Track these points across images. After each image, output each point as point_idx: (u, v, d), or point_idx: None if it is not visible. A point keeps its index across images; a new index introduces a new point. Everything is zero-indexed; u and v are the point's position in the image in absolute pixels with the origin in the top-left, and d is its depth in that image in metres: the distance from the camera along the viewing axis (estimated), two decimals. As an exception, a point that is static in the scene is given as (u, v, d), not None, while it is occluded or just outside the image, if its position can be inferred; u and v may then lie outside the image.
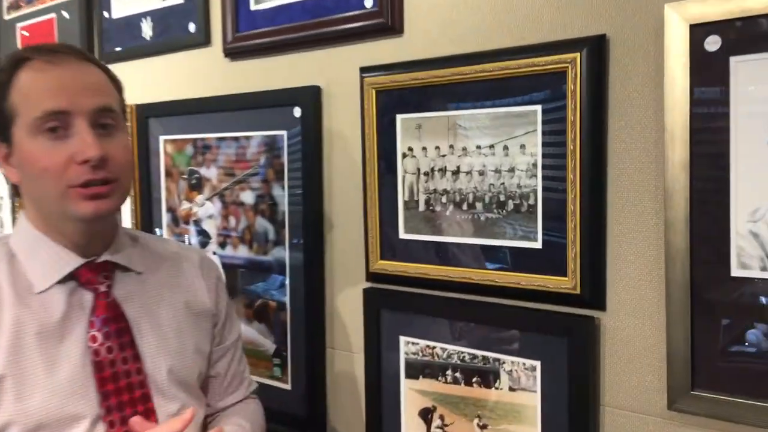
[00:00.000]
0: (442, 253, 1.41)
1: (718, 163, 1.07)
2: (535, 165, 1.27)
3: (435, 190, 1.41)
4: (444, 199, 1.40)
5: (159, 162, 1.97)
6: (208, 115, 1.83)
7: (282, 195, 1.67)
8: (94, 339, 1.10)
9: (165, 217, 1.97)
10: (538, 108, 1.26)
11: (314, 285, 1.63)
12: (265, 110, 1.69)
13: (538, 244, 1.28)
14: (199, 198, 1.86)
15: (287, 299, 1.68)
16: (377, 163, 1.49)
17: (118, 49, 2.07)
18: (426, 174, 1.42)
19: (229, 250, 1.81)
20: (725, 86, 1.06)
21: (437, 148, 1.40)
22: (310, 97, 1.60)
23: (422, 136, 1.42)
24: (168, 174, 1.95)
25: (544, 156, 1.26)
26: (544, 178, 1.26)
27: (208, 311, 1.29)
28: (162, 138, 1.95)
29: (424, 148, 1.42)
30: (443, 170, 1.40)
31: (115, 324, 1.13)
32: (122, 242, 1.19)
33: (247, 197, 1.75)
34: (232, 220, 1.79)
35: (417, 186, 1.44)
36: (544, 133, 1.26)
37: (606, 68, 1.19)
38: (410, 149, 1.44)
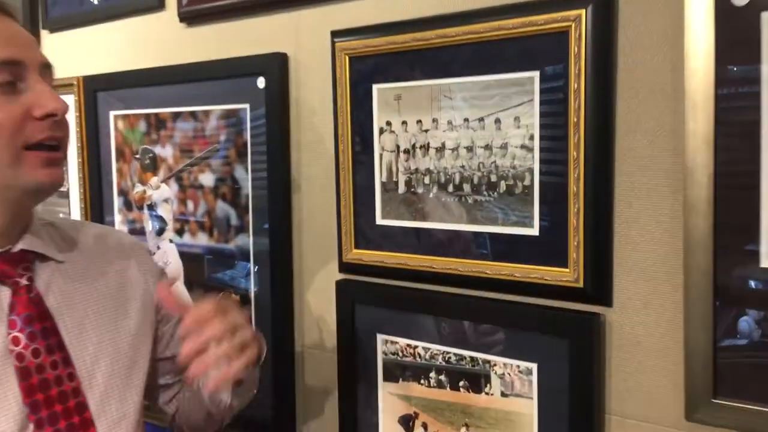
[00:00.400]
0: (425, 241, 1.25)
1: (747, 134, 0.92)
2: (531, 140, 1.12)
3: (416, 170, 1.25)
4: (427, 180, 1.24)
5: (109, 140, 1.77)
6: (163, 87, 1.64)
7: (245, 177, 1.50)
8: (16, 341, 0.92)
9: (117, 202, 1.78)
10: (536, 74, 1.10)
11: (281, 277, 1.46)
12: (226, 81, 1.51)
13: (534, 231, 1.13)
14: (154, 180, 1.68)
15: (251, 292, 1.51)
16: (351, 139, 1.32)
17: (63, 15, 1.86)
18: (406, 151, 1.26)
19: (187, 238, 1.63)
20: (755, 46, 0.91)
21: (419, 122, 1.24)
22: (276, 66, 1.42)
23: (402, 108, 1.25)
24: (120, 153, 1.76)
25: (542, 129, 1.10)
26: (542, 155, 1.11)
27: (148, 302, 1.12)
28: (112, 113, 1.76)
29: (405, 123, 1.25)
30: (426, 147, 1.23)
31: (39, 323, 0.95)
32: (38, 228, 1.01)
33: (207, 179, 1.57)
34: (190, 205, 1.61)
35: (396, 165, 1.28)
36: (542, 103, 1.10)
37: (615, 27, 1.03)
38: (388, 124, 1.28)
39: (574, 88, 1.05)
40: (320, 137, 1.40)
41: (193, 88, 1.58)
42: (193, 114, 1.58)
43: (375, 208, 1.31)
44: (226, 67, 1.50)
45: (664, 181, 1.01)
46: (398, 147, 1.27)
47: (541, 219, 1.12)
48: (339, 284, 1.37)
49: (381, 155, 1.29)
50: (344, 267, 1.36)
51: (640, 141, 1.03)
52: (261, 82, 1.45)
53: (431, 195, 1.24)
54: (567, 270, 1.09)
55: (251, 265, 1.51)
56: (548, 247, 1.11)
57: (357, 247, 1.34)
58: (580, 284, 1.07)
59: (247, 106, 1.48)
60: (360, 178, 1.32)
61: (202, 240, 1.60)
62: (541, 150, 1.10)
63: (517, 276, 1.14)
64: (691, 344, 0.97)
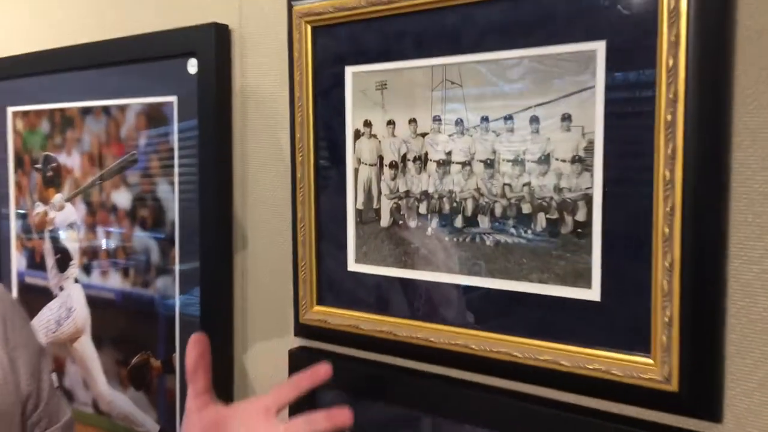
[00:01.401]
0: (420, 300, 0.84)
1: None
2: (590, 150, 0.71)
3: (408, 193, 0.84)
4: (423, 208, 0.83)
5: (6, 145, 1.35)
6: (70, 74, 1.22)
7: (171, 197, 1.08)
8: None
9: (14, 225, 1.35)
10: (599, 46, 0.69)
11: (215, 340, 1.03)
12: (146, 65, 1.10)
13: (593, 294, 0.71)
14: (57, 198, 1.26)
15: (176, 359, 1.09)
16: (313, 146, 0.91)
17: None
18: (393, 165, 0.85)
19: (96, 277, 1.20)
20: None
21: (413, 121, 0.83)
22: (212, 43, 1.01)
23: (388, 101, 0.84)
24: (18, 162, 1.34)
25: (608, 132, 0.69)
26: (608, 173, 0.70)
27: (6, 394, 0.73)
28: (10, 110, 1.34)
29: (391, 123, 0.84)
30: (422, 159, 0.82)
31: None
32: None
33: (122, 198, 1.15)
34: (101, 232, 1.19)
35: (378, 185, 0.86)
36: (610, 90, 0.69)
37: (738, -33, 0.63)
38: (368, 124, 0.86)
39: (667, 66, 0.64)
40: (274, 143, 0.98)
41: (104, 76, 1.16)
42: (105, 110, 1.17)
43: (346, 247, 0.89)
44: (146, 45, 1.09)
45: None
46: (381, 158, 0.86)
47: (605, 275, 0.70)
48: (294, 355, 0.95)
49: (356, 170, 0.88)
50: (301, 330, 0.94)
51: (781, 154, 0.62)
52: (192, 66, 1.03)
53: (429, 231, 0.82)
54: (650, 361, 0.67)
55: (177, 319, 1.09)
56: (617, 320, 0.70)
57: (320, 303, 0.92)
58: (673, 385, 0.66)
59: (173, 98, 1.07)
60: (326, 203, 0.91)
61: (115, 281, 1.17)
62: (607, 166, 0.69)
63: (564, 364, 0.73)
64: None
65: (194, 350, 0.75)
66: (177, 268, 1.08)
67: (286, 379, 0.76)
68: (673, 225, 0.65)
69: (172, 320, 1.09)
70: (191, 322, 1.05)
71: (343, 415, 0.70)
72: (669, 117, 0.65)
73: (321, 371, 0.74)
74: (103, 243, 1.18)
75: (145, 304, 1.13)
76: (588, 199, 0.71)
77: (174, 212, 1.07)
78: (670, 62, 0.64)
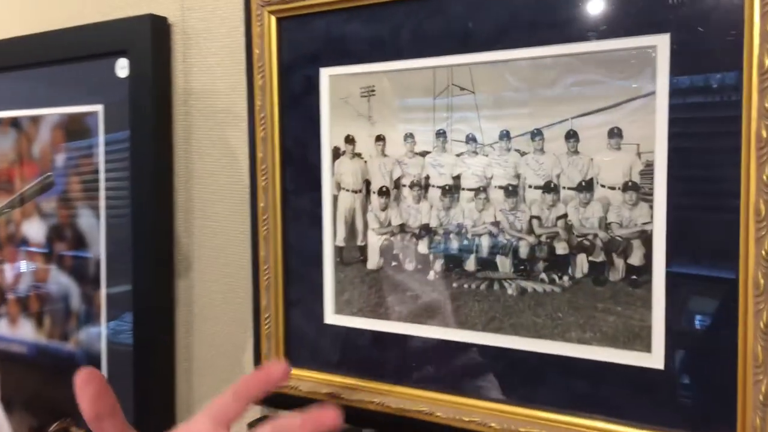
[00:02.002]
0: (418, 363, 0.66)
1: None
2: (648, 173, 0.55)
3: (403, 227, 0.66)
4: (423, 246, 0.65)
5: None
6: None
7: (95, 228, 0.87)
8: None
9: None
10: (663, 41, 0.54)
11: (155, 410, 0.83)
12: (65, 67, 0.90)
13: (655, 359, 0.55)
14: (-46, 229, 1.03)
15: (104, 429, 0.88)
16: (280, 168, 0.72)
17: None
18: (384, 192, 0.67)
19: (4, 327, 0.98)
20: None
21: (409, 137, 0.65)
22: (147, 39, 0.81)
23: (377, 112, 0.67)
24: None
25: (673, 152, 0.53)
26: (674, 201, 0.54)
27: None
28: None
29: (381, 139, 0.67)
30: (421, 185, 0.65)
31: None
32: None
33: (35, 230, 0.94)
34: (10, 272, 0.97)
35: (364, 217, 0.69)
36: (675, 95, 0.53)
37: None
38: (350, 140, 0.69)
39: (760, 66, 0.49)
40: (229, 165, 0.79)
41: (14, 81, 0.95)
42: (14, 122, 0.95)
43: (322, 294, 0.71)
44: (65, 42, 0.88)
45: None
46: (368, 183, 0.68)
47: (670, 336, 0.54)
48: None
49: (335, 198, 0.70)
50: (265, 398, 0.75)
51: None
52: (122, 68, 0.84)
53: (432, 275, 0.65)
54: (739, 451, 0.52)
55: (103, 351, 0.88)
56: (687, 395, 0.54)
57: (289, 362, 0.74)
58: (771, 484, 0.51)
59: (99, 107, 0.87)
60: (296, 239, 0.73)
61: (27, 332, 0.95)
62: (673, 195, 0.54)
63: (619, 451, 0.56)
64: None
65: (88, 388, 0.50)
66: (103, 317, 0.87)
67: (229, 388, 0.53)
68: (759, 276, 0.50)
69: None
70: (125, 389, 0.84)
71: (329, 416, 0.50)
72: (764, 132, 0.49)
73: (274, 371, 0.54)
74: (12, 285, 0.96)
75: (64, 359, 0.92)
76: (646, 238, 0.55)
77: (100, 249, 0.87)
78: (765, 61, 0.49)
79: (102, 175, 0.86)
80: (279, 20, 0.71)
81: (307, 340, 0.73)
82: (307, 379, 0.72)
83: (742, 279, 0.51)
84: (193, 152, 0.82)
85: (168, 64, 0.82)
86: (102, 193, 0.87)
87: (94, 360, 0.88)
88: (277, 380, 0.53)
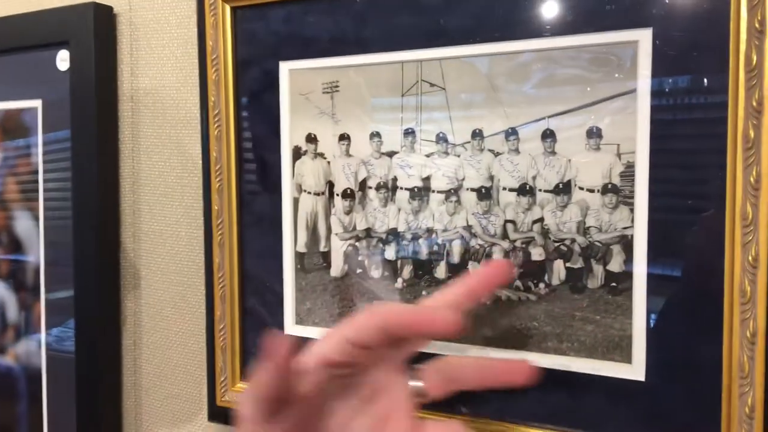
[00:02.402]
0: (387, 376, 0.62)
1: None
2: (628, 175, 0.52)
3: (369, 232, 0.63)
4: (390, 252, 0.62)
5: None
6: None
7: (34, 234, 0.81)
8: None
9: None
10: (644, 35, 0.51)
11: (96, 423, 0.77)
12: (1, 59, 0.83)
13: (635, 371, 0.53)
14: None
15: (43, 450, 0.82)
16: (236, 169, 0.68)
17: None
18: (348, 195, 0.63)
19: (-69, 341, 0.90)
20: None
21: (375, 136, 0.61)
22: (90, 30, 0.76)
23: (341, 109, 0.63)
24: None
25: (655, 153, 0.51)
26: (655, 202, 0.51)
27: None
28: None
29: (345, 138, 0.63)
30: (388, 187, 0.61)
31: None
32: None
33: (-34, 236, 0.87)
34: (-62, 281, 0.89)
35: (327, 221, 0.64)
36: (658, 94, 0.51)
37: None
38: (312, 139, 0.64)
39: (747, 63, 0.47)
40: (179, 164, 0.74)
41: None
42: (-58, 118, 0.88)
43: (282, 304, 0.67)
44: (2, 31, 0.82)
45: None
46: (331, 185, 0.64)
47: (652, 346, 0.52)
48: (210, 448, 0.71)
49: (296, 201, 0.66)
50: (219, 415, 0.70)
51: None
52: (63, 60, 0.77)
53: (400, 283, 0.61)
54: (725, 467, 0.49)
55: (44, 396, 0.81)
56: (670, 408, 0.52)
57: (246, 378, 0.69)
58: (759, 501, 0.48)
59: (37, 103, 0.80)
60: (254, 244, 0.68)
61: (-43, 346, 0.88)
62: (655, 197, 0.51)
63: (599, 468, 0.54)
64: None
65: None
66: (43, 333, 0.81)
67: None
68: (756, 279, 0.48)
69: (38, 395, 0.82)
70: (67, 407, 0.78)
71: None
72: (751, 132, 0.47)
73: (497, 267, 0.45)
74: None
75: (1, 375, 0.85)
76: (626, 243, 0.52)
77: (39, 255, 0.80)
78: (753, 58, 0.47)
79: (41, 176, 0.80)
80: (234, 10, 0.66)
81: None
82: (265, 394, 0.67)
83: (728, 286, 0.49)
84: (141, 152, 0.76)
85: (113, 57, 0.77)
86: (41, 195, 0.80)
87: (33, 373, 0.82)
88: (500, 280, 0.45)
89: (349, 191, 0.63)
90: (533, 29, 0.54)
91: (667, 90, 0.50)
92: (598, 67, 0.53)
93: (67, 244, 0.77)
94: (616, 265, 0.53)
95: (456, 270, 0.59)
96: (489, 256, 0.58)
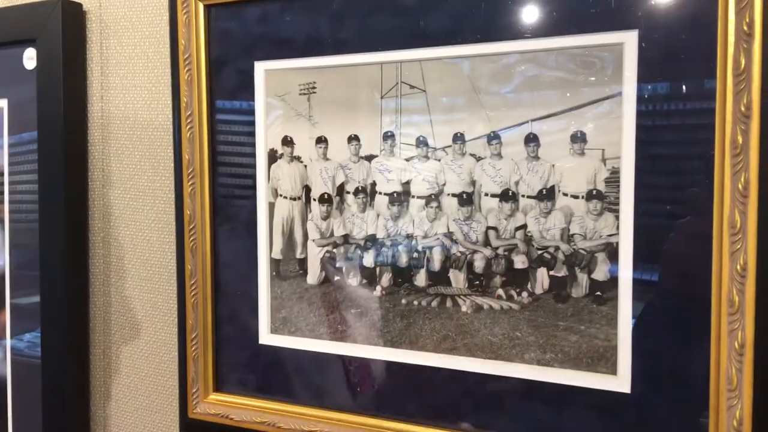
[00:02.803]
0: (363, 386, 0.60)
1: None
2: (613, 181, 0.51)
3: (347, 238, 0.61)
4: (368, 259, 0.60)
5: None
6: None
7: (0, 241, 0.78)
8: None
9: None
10: (630, 37, 0.49)
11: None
12: (-36, 55, 0.80)
13: (621, 383, 0.51)
14: None
15: (7, 464, 0.78)
16: (210, 172, 0.65)
17: None
18: (325, 199, 0.61)
19: None
20: None
21: (354, 139, 0.60)
22: (59, 28, 0.73)
23: (318, 111, 0.61)
24: None
25: (642, 159, 0.49)
26: (641, 207, 0.50)
27: None
28: None
29: (323, 141, 0.61)
30: (367, 191, 0.59)
31: None
32: None
33: (-73, 240, 0.83)
34: None
35: (303, 226, 0.62)
36: (644, 98, 0.49)
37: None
38: (288, 142, 0.62)
39: (735, 67, 0.46)
40: (151, 167, 0.72)
41: None
42: None
43: (257, 312, 0.64)
44: (-37, 27, 0.79)
45: None
46: (308, 190, 0.62)
47: (637, 357, 0.50)
48: (181, 462, 0.68)
49: (271, 206, 0.64)
50: (191, 428, 0.68)
51: None
52: (30, 58, 0.75)
53: (378, 291, 0.59)
54: (713, 482, 0.48)
55: (9, 406, 0.78)
56: (655, 422, 0.50)
57: (219, 389, 0.67)
58: None
59: (3, 103, 0.77)
60: (227, 250, 0.66)
61: None
62: (640, 201, 0.50)
63: (583, 483, 0.52)
64: None
65: None
66: (8, 339, 0.77)
67: None
68: (744, 289, 0.46)
69: (2, 391, 0.78)
70: (32, 423, 0.75)
71: None
72: (739, 138, 0.46)
73: None
74: None
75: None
76: (612, 251, 0.51)
77: (3, 256, 0.77)
78: (741, 61, 0.45)
79: (6, 179, 0.77)
80: (208, 8, 0.64)
81: (240, 363, 0.66)
82: (239, 406, 0.65)
83: (715, 296, 0.47)
84: (111, 154, 0.73)
85: (82, 56, 0.74)
86: (6, 198, 0.77)
87: (-4, 386, 0.79)
88: None
89: (326, 196, 0.61)
90: (516, 30, 0.53)
91: (653, 94, 0.49)
92: (583, 70, 0.51)
93: (34, 249, 0.74)
94: (601, 273, 0.52)
95: (437, 278, 0.57)
96: (470, 263, 0.56)
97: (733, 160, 0.46)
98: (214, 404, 0.66)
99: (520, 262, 0.54)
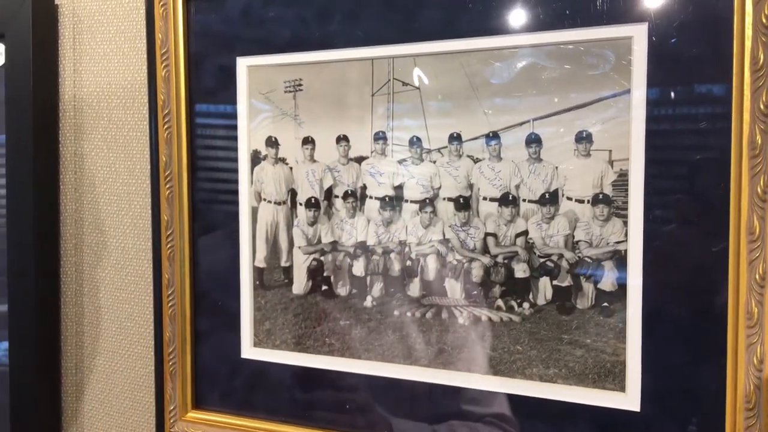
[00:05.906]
0: (352, 403, 0.57)
1: None
2: (622, 185, 0.47)
3: (335, 245, 0.57)
4: (358, 268, 0.56)
5: None
6: None
7: (-36, 245, 0.73)
8: None
9: None
10: (639, 31, 0.46)
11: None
12: (-73, 51, 0.75)
13: (630, 400, 0.48)
14: None
15: (-29, 487, 0.74)
16: (189, 175, 0.61)
17: None
18: (312, 204, 0.57)
19: None
20: None
21: (343, 140, 0.56)
22: (28, 22, 0.69)
23: (305, 110, 0.57)
24: None
25: (652, 161, 0.46)
26: (650, 214, 0.47)
27: None
28: None
29: (310, 141, 0.57)
30: (357, 196, 0.56)
31: None
32: None
33: None
34: None
35: (288, 233, 0.58)
36: (654, 98, 0.46)
37: None
38: (273, 143, 0.59)
39: (752, 63, 0.42)
40: (125, 169, 0.67)
41: None
42: None
43: (239, 324, 0.60)
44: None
45: None
46: (293, 194, 0.58)
47: (648, 373, 0.47)
48: (158, 484, 0.64)
49: (254, 210, 0.60)
50: (170, 447, 0.64)
51: None
52: (-2, 54, 0.70)
53: (369, 301, 0.56)
54: (731, 508, 0.45)
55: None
56: (670, 442, 0.47)
57: (198, 406, 0.62)
58: None
59: (-31, 101, 0.73)
60: (208, 258, 0.62)
61: None
62: (651, 209, 0.46)
63: None
64: None
65: None
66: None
67: None
68: (764, 300, 0.43)
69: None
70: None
71: None
72: (758, 138, 0.43)
73: None
74: None
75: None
76: (620, 259, 0.48)
77: (-31, 269, 0.73)
78: (760, 56, 0.42)
79: (-29, 182, 0.72)
80: (187, 1, 0.60)
81: (221, 379, 0.61)
82: (219, 424, 0.61)
83: (732, 307, 0.44)
84: (84, 156, 0.69)
85: (54, 52, 0.70)
86: (-28, 204, 0.73)
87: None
88: None
89: (313, 200, 0.57)
90: (517, 23, 0.49)
91: (664, 90, 0.46)
92: (589, 66, 0.48)
93: (1, 256, 0.70)
94: (608, 283, 0.48)
95: (431, 287, 0.53)
96: (468, 272, 0.52)
97: (752, 162, 0.43)
98: (193, 422, 0.62)
99: (521, 270, 0.51)
